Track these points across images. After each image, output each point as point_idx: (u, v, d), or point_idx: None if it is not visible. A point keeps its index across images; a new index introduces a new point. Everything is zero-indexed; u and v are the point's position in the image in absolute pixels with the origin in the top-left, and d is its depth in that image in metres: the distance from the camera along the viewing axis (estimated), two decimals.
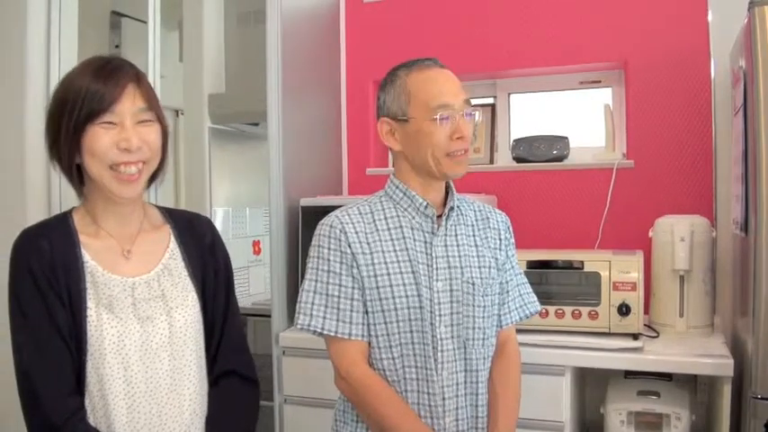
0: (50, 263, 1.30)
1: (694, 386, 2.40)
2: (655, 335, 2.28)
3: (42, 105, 2.57)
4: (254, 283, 3.32)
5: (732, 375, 1.99)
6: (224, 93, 3.13)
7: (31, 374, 1.29)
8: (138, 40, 3.07)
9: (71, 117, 1.28)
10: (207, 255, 1.51)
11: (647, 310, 2.37)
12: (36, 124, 2.56)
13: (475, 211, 1.70)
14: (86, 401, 1.32)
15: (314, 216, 2.53)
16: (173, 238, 1.48)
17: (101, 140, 1.30)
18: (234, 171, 3.28)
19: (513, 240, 1.74)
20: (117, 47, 3.28)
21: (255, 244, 3.41)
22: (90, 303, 1.32)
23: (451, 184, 1.65)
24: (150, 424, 1.36)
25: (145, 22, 2.85)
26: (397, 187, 1.62)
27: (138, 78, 1.36)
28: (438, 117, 1.52)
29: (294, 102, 2.62)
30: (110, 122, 1.30)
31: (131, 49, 3.19)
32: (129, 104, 1.32)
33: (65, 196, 2.55)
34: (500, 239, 1.69)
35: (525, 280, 1.77)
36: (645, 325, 2.29)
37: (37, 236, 1.33)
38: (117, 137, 1.31)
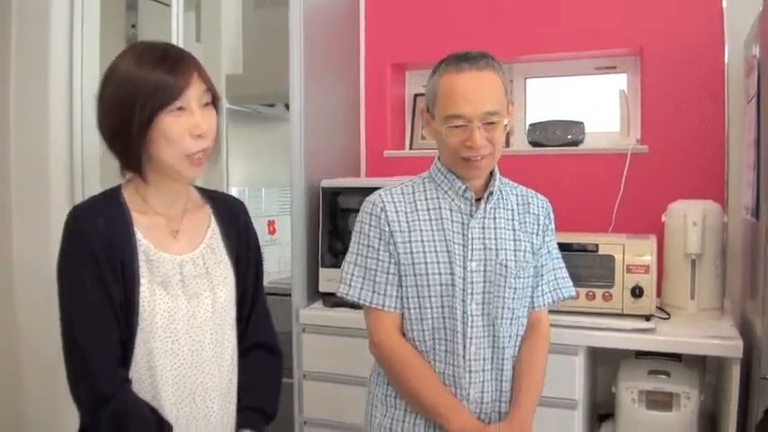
0: (108, 239, 1.35)
1: (703, 367, 2.44)
2: (666, 316, 2.33)
3: (66, 86, 2.63)
4: (269, 262, 3.36)
5: (741, 357, 2.03)
6: (241, 74, 3.15)
7: (83, 345, 1.33)
8: (154, 21, 3.10)
9: (144, 107, 1.32)
10: (242, 234, 1.58)
11: (659, 293, 2.41)
12: (59, 105, 2.59)
13: (517, 195, 1.76)
14: (132, 373, 1.38)
15: (333, 197, 2.60)
16: (213, 218, 1.54)
17: (173, 128, 1.34)
18: (250, 151, 3.30)
19: (552, 226, 1.80)
20: (133, 26, 3.28)
21: (270, 224, 3.45)
22: (143, 280, 1.37)
23: (496, 168, 1.69)
24: (194, 393, 1.43)
25: (161, 3, 2.88)
26: (439, 170, 1.69)
27: (197, 64, 1.41)
28: (447, 126, 1.59)
29: (314, 85, 2.65)
30: (180, 108, 1.35)
31: (148, 29, 3.20)
32: (194, 91, 1.37)
33: (86, 186, 2.62)
34: (538, 224, 1.75)
35: (563, 265, 1.82)
36: (657, 307, 2.33)
37: (94, 213, 1.37)
38: (188, 123, 1.35)
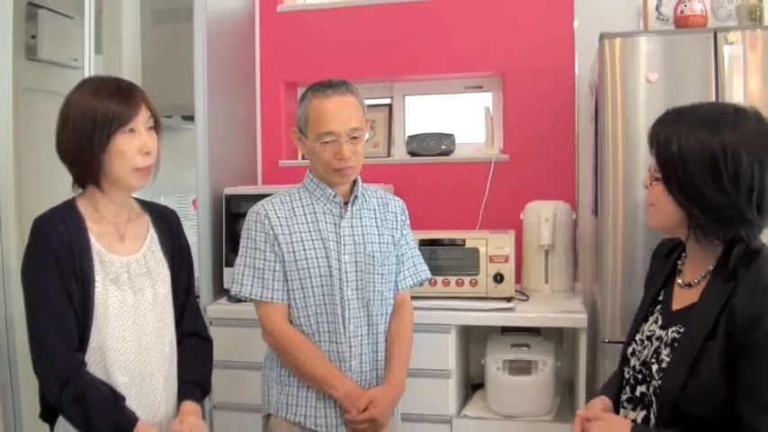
0: (68, 243, 1.57)
1: (561, 339, 2.83)
2: (525, 298, 2.69)
3: None
4: None
5: (586, 327, 2.41)
6: (140, 85, 3.26)
7: (46, 334, 1.55)
8: (54, 32, 3.08)
9: (103, 129, 1.56)
10: (174, 239, 1.82)
11: (519, 279, 2.77)
12: None
13: (377, 198, 2.07)
14: (87, 357, 1.60)
15: (234, 203, 2.81)
16: (151, 225, 1.78)
17: (127, 147, 1.59)
18: None
19: (407, 221, 2.12)
20: (33, 37, 3.19)
21: None
22: (97, 278, 1.61)
23: (358, 176, 1.99)
24: (143, 373, 1.67)
25: (61, 14, 2.92)
26: (312, 180, 1.98)
27: (144, 94, 1.66)
28: (320, 142, 1.88)
29: (216, 98, 2.84)
30: (131, 130, 1.59)
31: (48, 40, 3.13)
32: (142, 117, 1.62)
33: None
34: (396, 220, 2.07)
35: (419, 253, 2.15)
36: (517, 290, 2.68)
37: (55, 221, 1.59)
38: (138, 143, 1.61)
